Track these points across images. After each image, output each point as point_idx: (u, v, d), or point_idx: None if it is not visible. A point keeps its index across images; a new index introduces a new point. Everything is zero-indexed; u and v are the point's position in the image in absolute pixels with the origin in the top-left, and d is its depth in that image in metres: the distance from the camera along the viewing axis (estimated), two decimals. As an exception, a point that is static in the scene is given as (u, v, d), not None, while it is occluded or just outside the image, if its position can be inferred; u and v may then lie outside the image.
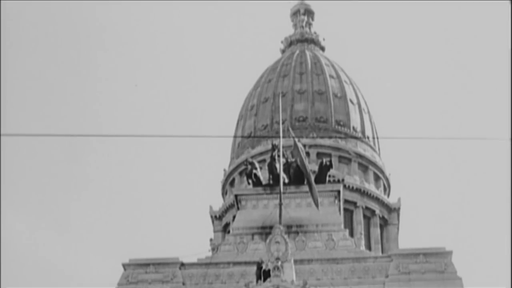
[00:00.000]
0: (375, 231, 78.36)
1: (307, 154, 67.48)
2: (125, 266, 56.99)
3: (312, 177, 62.62)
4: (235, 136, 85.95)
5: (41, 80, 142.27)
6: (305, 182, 57.74)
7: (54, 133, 36.80)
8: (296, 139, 59.25)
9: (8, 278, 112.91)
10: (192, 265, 56.79)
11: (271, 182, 61.40)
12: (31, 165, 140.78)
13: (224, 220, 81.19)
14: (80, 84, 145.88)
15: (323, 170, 63.31)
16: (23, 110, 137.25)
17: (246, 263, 55.37)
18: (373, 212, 79.06)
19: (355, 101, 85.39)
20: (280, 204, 53.94)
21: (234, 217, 66.63)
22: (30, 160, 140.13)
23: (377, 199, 79.77)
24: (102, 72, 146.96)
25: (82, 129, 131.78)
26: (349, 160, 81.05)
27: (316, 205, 56.26)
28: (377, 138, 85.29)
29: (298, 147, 58.03)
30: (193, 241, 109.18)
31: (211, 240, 62.81)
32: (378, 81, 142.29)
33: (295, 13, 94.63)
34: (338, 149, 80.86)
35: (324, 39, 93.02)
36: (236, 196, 62.57)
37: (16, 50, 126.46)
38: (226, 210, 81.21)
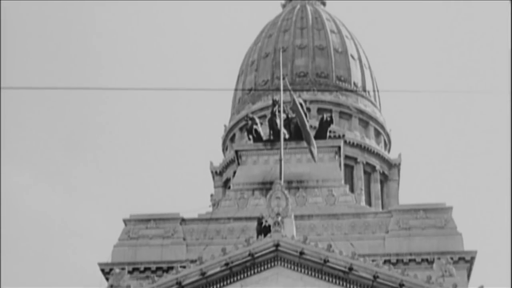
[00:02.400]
0: (376, 187, 78.41)
1: (308, 109, 67.19)
2: (126, 221, 57.11)
3: (312, 133, 62.63)
4: (235, 89, 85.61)
5: (42, 34, 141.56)
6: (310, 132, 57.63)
7: (55, 87, 36.63)
8: (296, 95, 58.97)
9: (8, 235, 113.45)
10: (192, 220, 56.91)
11: (271, 137, 61.29)
12: (32, 120, 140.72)
13: (225, 176, 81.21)
14: (81, 38, 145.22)
15: (324, 126, 63.17)
16: (24, 64, 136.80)
17: (247, 218, 55.49)
18: (373, 167, 79.04)
19: (356, 56, 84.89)
20: (281, 160, 53.87)
21: (234, 172, 66.62)
22: (30, 115, 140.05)
23: (377, 155, 79.70)
24: (102, 26, 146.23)
25: (82, 83, 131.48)
26: (350, 115, 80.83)
27: (314, 158, 56.17)
28: (378, 91, 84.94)
29: (297, 104, 57.72)
30: (193, 196, 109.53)
31: (211, 195, 62.88)
32: (379, 36, 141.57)
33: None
34: (338, 104, 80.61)
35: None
36: (236, 151, 62.48)
37: (17, 5, 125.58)
38: (226, 165, 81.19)
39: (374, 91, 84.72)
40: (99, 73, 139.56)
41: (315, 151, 56.20)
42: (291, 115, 60.85)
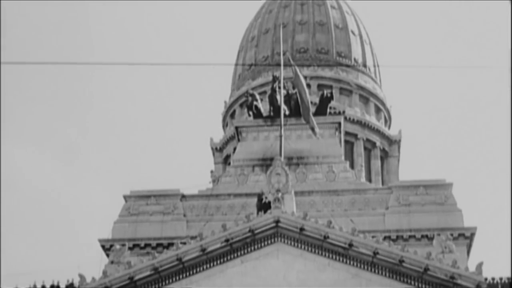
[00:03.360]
0: (376, 163, 78.41)
1: (308, 86, 66.96)
2: (126, 197, 57.15)
3: (312, 109, 62.54)
4: (236, 64, 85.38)
5: (41, 9, 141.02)
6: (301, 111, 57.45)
7: (55, 61, 36.48)
8: (297, 69, 58.76)
9: (8, 211, 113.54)
10: (193, 196, 56.96)
11: (271, 114, 61.19)
12: (32, 95, 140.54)
13: (225, 152, 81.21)
14: (81, 11, 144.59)
15: (324, 102, 63.06)
16: (24, 38, 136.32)
17: (247, 194, 55.52)
18: (373, 144, 79.00)
19: (356, 32, 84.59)
20: (281, 136, 53.82)
21: (234, 149, 66.58)
22: (30, 90, 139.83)
23: (377, 131, 79.64)
24: (102, 0, 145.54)
25: (82, 58, 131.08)
26: (350, 92, 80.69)
27: (314, 133, 56.11)
28: (378, 66, 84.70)
29: (299, 77, 57.51)
30: (193, 173, 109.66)
31: (211, 172, 62.85)
32: (380, 12, 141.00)
33: None
34: (339, 80, 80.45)
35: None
36: (236, 128, 62.41)
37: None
38: (226, 142, 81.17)
39: (374, 66, 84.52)
40: (100, 48, 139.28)
41: (315, 125, 56.10)
42: (292, 91, 60.72)
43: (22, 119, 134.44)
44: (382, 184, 75.64)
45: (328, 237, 45.38)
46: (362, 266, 45.07)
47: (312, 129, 56.44)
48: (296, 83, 58.00)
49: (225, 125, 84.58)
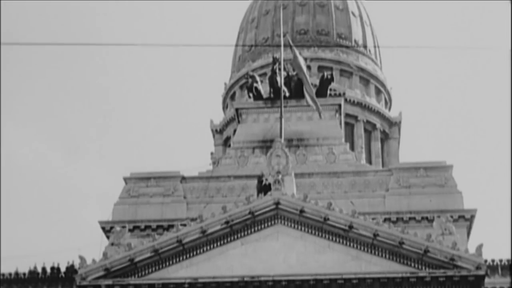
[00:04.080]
0: (376, 145, 78.35)
1: (308, 67, 66.94)
2: (126, 179, 57.14)
3: (313, 90, 62.39)
4: (236, 45, 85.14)
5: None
6: (304, 93, 57.28)
7: (54, 42, 36.31)
8: (297, 51, 58.60)
9: (8, 193, 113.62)
10: (193, 178, 56.95)
11: (272, 95, 61.07)
12: (32, 77, 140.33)
13: (225, 134, 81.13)
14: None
15: (324, 84, 62.93)
16: (23, 19, 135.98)
17: (247, 176, 55.51)
18: (374, 126, 78.91)
19: (356, 13, 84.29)
20: (281, 118, 53.77)
21: (234, 131, 66.51)
22: (30, 71, 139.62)
23: (378, 113, 79.53)
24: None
25: (82, 39, 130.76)
26: (351, 73, 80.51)
27: (320, 115, 56.02)
28: (378, 47, 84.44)
29: (298, 59, 57.34)
30: (194, 155, 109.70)
31: (211, 154, 62.83)
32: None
33: None
34: (339, 62, 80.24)
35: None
36: (236, 109, 62.32)
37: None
38: (226, 124, 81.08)
39: (375, 46, 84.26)
40: (99, 29, 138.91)
41: (319, 107, 56.03)
42: (292, 73, 60.58)
43: (21, 101, 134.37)
44: (382, 166, 75.59)
45: (328, 219, 45.44)
46: (362, 248, 45.16)
47: (318, 111, 56.25)
48: (295, 66, 57.78)
49: (225, 107, 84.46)
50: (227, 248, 45.91)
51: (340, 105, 61.31)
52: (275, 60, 61.74)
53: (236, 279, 44.58)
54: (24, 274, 58.42)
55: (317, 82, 64.67)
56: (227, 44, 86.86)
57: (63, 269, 58.41)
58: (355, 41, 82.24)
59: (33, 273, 58.40)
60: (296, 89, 60.06)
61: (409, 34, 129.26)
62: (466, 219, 52.99)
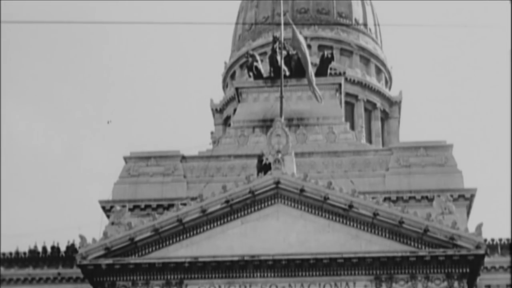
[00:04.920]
0: (376, 125, 78.29)
1: (308, 46, 66.54)
2: (126, 159, 57.11)
3: (313, 70, 62.12)
4: (236, 23, 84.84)
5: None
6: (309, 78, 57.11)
7: (54, 20, 36.15)
8: (297, 31, 58.38)
9: (8, 172, 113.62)
10: (193, 158, 56.91)
11: (272, 74, 60.92)
12: (32, 56, 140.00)
13: (225, 113, 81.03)
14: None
15: (325, 63, 62.76)
16: None
17: (247, 156, 55.48)
18: (374, 105, 78.80)
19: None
20: (281, 97, 53.65)
21: (235, 110, 66.40)
22: (30, 50, 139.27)
23: (378, 92, 79.40)
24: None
25: (82, 17, 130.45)
26: (351, 52, 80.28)
27: (317, 99, 55.89)
28: (379, 25, 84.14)
29: (299, 40, 57.10)
30: (194, 134, 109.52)
31: (212, 133, 62.77)
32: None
33: None
34: (339, 41, 79.99)
35: None
36: (236, 89, 62.19)
37: None
38: (227, 103, 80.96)
39: (375, 25, 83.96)
40: (100, 8, 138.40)
41: (316, 90, 55.83)
42: (292, 52, 60.37)
43: (21, 80, 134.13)
44: (383, 145, 75.55)
45: (328, 198, 45.44)
46: (362, 227, 45.20)
47: (316, 95, 56.06)
48: (295, 46, 57.50)
49: (225, 86, 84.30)
50: (227, 227, 45.96)
51: (340, 84, 61.16)
52: (275, 39, 61.53)
53: (236, 258, 44.65)
54: (25, 253, 58.62)
55: (317, 61, 64.51)
56: (227, 22, 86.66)
57: (63, 248, 58.61)
58: (355, 20, 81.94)
59: (33, 252, 58.59)
60: (297, 68, 59.88)
61: (409, 13, 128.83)
62: (466, 198, 53.00)
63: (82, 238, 45.85)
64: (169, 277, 45.14)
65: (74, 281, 56.32)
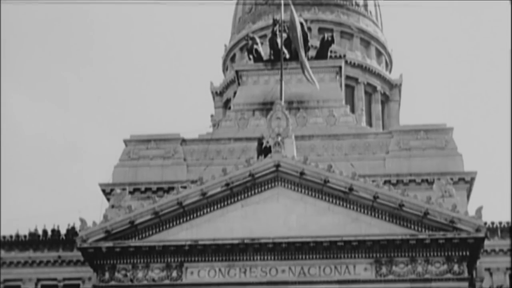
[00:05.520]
0: (376, 108, 78.19)
1: (309, 29, 66.44)
2: (126, 142, 57.04)
3: (313, 53, 62.00)
4: (237, 3, 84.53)
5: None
6: (305, 58, 56.81)
7: (55, 1, 35.93)
8: (296, 14, 58.09)
9: (8, 155, 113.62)
10: (193, 141, 56.86)
11: (272, 57, 60.77)
12: (32, 38, 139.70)
13: (225, 96, 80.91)
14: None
15: (325, 46, 62.57)
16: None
17: (247, 139, 55.42)
18: (374, 88, 78.68)
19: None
20: (281, 80, 53.52)
21: (235, 93, 66.31)
22: (28, 32, 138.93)
23: (378, 75, 79.24)
24: None
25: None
26: (351, 35, 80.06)
27: (310, 81, 55.66)
28: (379, 6, 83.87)
29: (294, 23, 56.68)
30: (194, 117, 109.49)
31: (212, 116, 62.68)
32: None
33: None
34: (340, 24, 79.74)
35: None
36: (237, 72, 62.06)
37: None
38: (227, 86, 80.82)
39: (375, 5, 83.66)
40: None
41: (310, 74, 55.53)
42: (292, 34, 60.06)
43: (21, 63, 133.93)
44: (383, 128, 75.49)
45: (328, 181, 45.43)
46: (362, 210, 45.20)
47: (308, 78, 55.84)
48: (290, 28, 57.13)
49: (225, 69, 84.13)
50: (227, 210, 45.98)
51: (340, 67, 61.03)
52: (275, 22, 61.34)
53: (236, 241, 44.69)
54: (25, 236, 58.73)
55: (317, 44, 64.32)
56: (228, 1, 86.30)
57: (63, 232, 58.70)
58: (355, 2, 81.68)
59: (33, 235, 58.69)
60: (297, 51, 59.73)
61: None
62: (466, 181, 52.97)
63: (82, 221, 45.87)
64: (169, 260, 45.21)
65: (74, 264, 56.45)
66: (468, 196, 53.63)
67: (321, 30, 77.02)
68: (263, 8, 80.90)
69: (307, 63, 55.54)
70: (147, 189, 54.34)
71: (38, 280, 56.94)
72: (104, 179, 55.00)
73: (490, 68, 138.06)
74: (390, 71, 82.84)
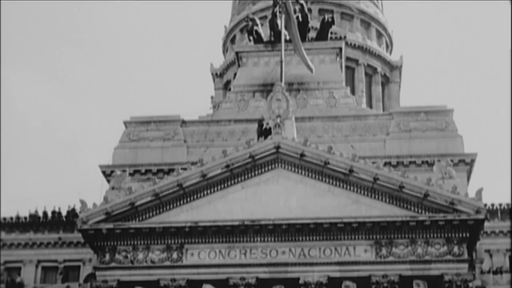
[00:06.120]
0: (377, 89, 78.02)
1: (309, 10, 66.19)
2: (126, 123, 57.00)
3: (313, 35, 61.79)
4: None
5: None
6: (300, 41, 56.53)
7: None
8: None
9: (8, 137, 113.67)
10: (193, 122, 56.82)
11: (272, 39, 60.59)
12: (31, 18, 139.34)
13: (225, 78, 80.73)
14: None
15: (325, 27, 62.37)
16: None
17: (247, 120, 55.38)
18: (374, 69, 78.48)
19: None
20: (281, 61, 53.40)
21: (235, 74, 66.16)
22: (29, 10, 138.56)
23: (379, 57, 78.99)
24: None
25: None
26: (352, 16, 79.73)
27: (307, 66, 55.49)
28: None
29: (289, 4, 56.34)
30: (194, 98, 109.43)
31: (212, 97, 62.61)
32: None
33: None
34: (340, 5, 79.40)
35: None
36: (237, 53, 61.91)
37: None
38: (227, 67, 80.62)
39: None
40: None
41: (307, 58, 55.29)
42: (293, 16, 59.77)
43: (20, 43, 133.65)
44: (383, 110, 75.36)
45: (328, 163, 45.44)
46: (362, 191, 45.25)
47: (308, 66, 55.69)
48: (288, 9, 56.80)
49: (225, 50, 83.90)
50: (227, 192, 46.03)
51: (340, 49, 60.88)
52: (276, 3, 61.02)
53: (236, 223, 44.76)
54: (25, 218, 58.83)
55: (318, 25, 64.12)
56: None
57: (64, 213, 58.77)
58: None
59: (34, 217, 58.79)
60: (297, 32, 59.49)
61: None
62: (466, 163, 52.95)
63: (82, 202, 45.91)
64: (169, 241, 45.29)
65: (74, 246, 56.58)
66: (468, 178, 53.63)
67: (321, 11, 76.65)
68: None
69: (301, 46, 55.25)
70: (147, 171, 54.34)
71: (39, 261, 57.09)
72: (104, 160, 55.08)
73: (490, 49, 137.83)
74: (390, 53, 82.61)
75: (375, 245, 44.44)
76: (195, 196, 45.98)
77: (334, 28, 68.08)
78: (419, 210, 44.50)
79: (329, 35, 63.16)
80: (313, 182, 45.73)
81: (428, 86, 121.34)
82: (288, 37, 58.73)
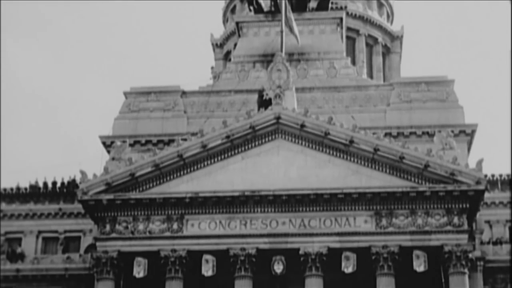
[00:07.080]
0: (377, 60, 77.71)
1: (310, -20, 65.81)
2: (126, 94, 56.86)
3: (314, 5, 61.44)
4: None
5: None
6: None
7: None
8: None
9: (9, 108, 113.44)
10: (193, 93, 56.68)
11: (272, 9, 60.30)
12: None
13: (225, 48, 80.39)
14: None
15: (326, -3, 62.06)
16: None
17: (248, 91, 55.23)
18: (375, 40, 78.10)
19: None
20: (282, 32, 53.13)
21: (235, 45, 65.90)
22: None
23: (380, 27, 78.57)
24: None
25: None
26: (352, -14, 79.26)
27: (297, 39, 55.12)
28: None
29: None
30: (194, 69, 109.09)
31: (212, 68, 62.39)
32: None
33: None
34: (341, -25, 78.90)
35: None
36: (237, 23, 61.62)
37: None
38: (227, 38, 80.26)
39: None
40: None
41: (296, 30, 54.90)
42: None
43: (21, 16, 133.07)
44: (384, 80, 75.09)
45: (328, 133, 45.39)
46: (362, 162, 45.24)
47: (296, 37, 55.32)
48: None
49: (225, 20, 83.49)
50: (227, 162, 46.02)
51: (341, 19, 60.57)
52: (276, -27, 60.69)
53: (236, 194, 44.79)
54: (26, 189, 58.81)
55: (318, -5, 63.74)
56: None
57: (64, 184, 58.76)
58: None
59: (34, 187, 58.77)
60: (298, 2, 59.24)
61: None
62: (467, 134, 52.88)
63: (82, 173, 45.91)
64: (169, 212, 45.36)
65: (75, 216, 56.61)
66: (468, 149, 53.59)
67: (322, -18, 76.21)
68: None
69: (292, 18, 54.80)
70: (147, 142, 54.28)
71: (39, 232, 57.16)
72: (104, 131, 55.01)
73: (491, 21, 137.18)
74: (391, 23, 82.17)
75: (375, 215, 44.51)
76: (195, 167, 45.98)
77: (334, -2, 67.74)
78: (419, 181, 44.51)
79: (330, 5, 62.85)
80: (314, 152, 45.71)
81: (429, 57, 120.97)
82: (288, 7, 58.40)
